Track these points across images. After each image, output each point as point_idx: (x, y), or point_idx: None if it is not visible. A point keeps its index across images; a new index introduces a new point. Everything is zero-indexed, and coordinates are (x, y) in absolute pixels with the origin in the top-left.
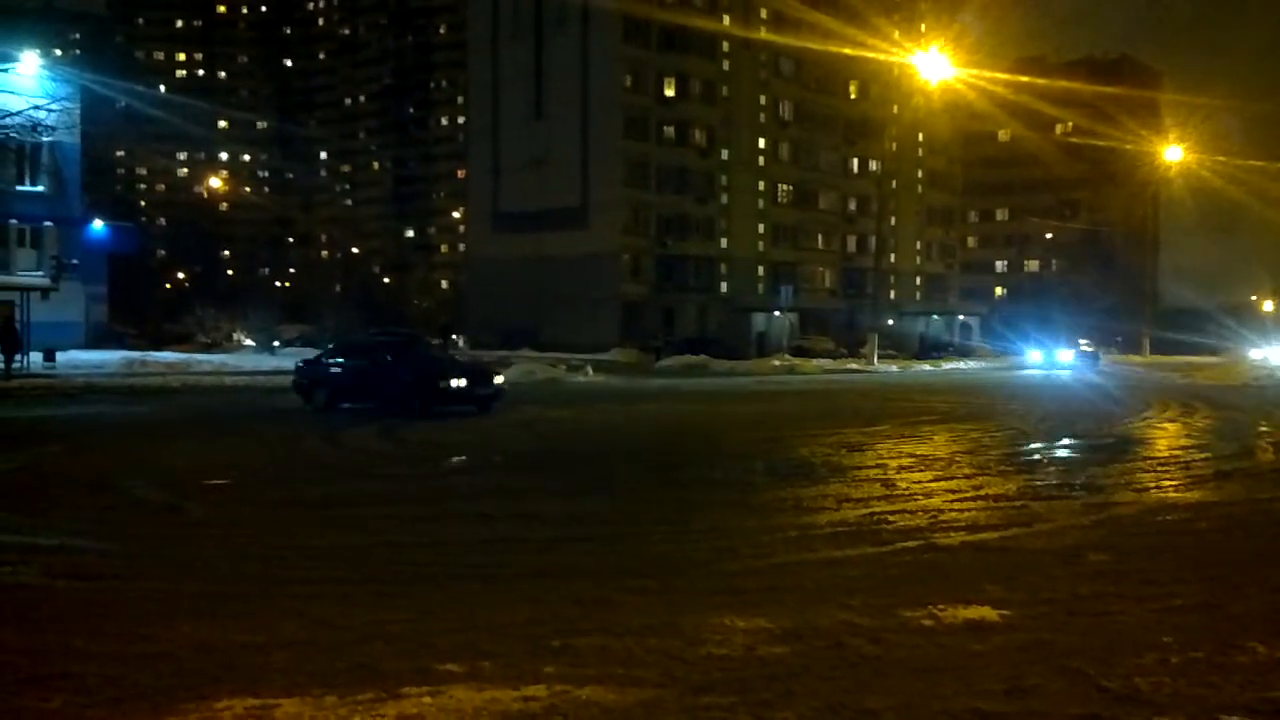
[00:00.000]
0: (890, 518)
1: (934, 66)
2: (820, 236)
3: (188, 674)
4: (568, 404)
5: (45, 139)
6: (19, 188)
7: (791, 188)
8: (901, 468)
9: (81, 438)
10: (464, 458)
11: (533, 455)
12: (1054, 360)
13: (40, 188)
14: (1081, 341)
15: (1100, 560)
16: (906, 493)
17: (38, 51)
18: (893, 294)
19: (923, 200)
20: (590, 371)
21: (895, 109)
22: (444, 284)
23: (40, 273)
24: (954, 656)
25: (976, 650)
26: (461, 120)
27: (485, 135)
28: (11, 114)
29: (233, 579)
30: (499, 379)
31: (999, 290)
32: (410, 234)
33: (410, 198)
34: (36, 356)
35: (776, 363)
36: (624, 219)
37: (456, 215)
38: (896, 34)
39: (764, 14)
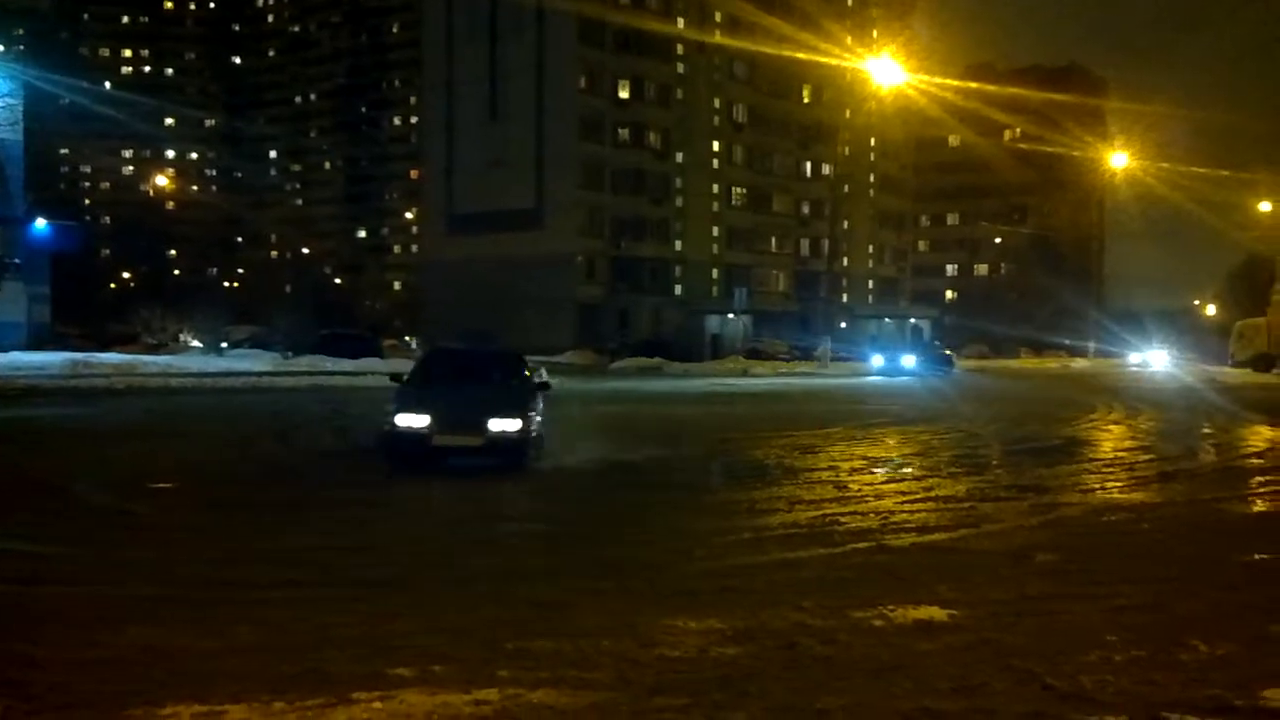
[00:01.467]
0: (842, 519)
1: (886, 72)
2: (774, 239)
3: (135, 679)
4: None
5: None
6: None
7: (746, 191)
8: (853, 470)
9: (25, 440)
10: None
11: None
12: (898, 366)
13: None
14: (936, 345)
15: (1047, 560)
16: (858, 494)
17: None
18: (845, 297)
19: (875, 204)
20: (545, 374)
21: (848, 114)
22: (397, 285)
23: None
24: (904, 656)
25: (926, 650)
26: (415, 120)
27: (440, 136)
28: None
29: (183, 583)
30: (511, 424)
31: (950, 294)
32: (363, 234)
33: (363, 198)
34: None
35: (731, 365)
36: (579, 221)
37: (410, 216)
38: (849, 40)
39: (719, 17)
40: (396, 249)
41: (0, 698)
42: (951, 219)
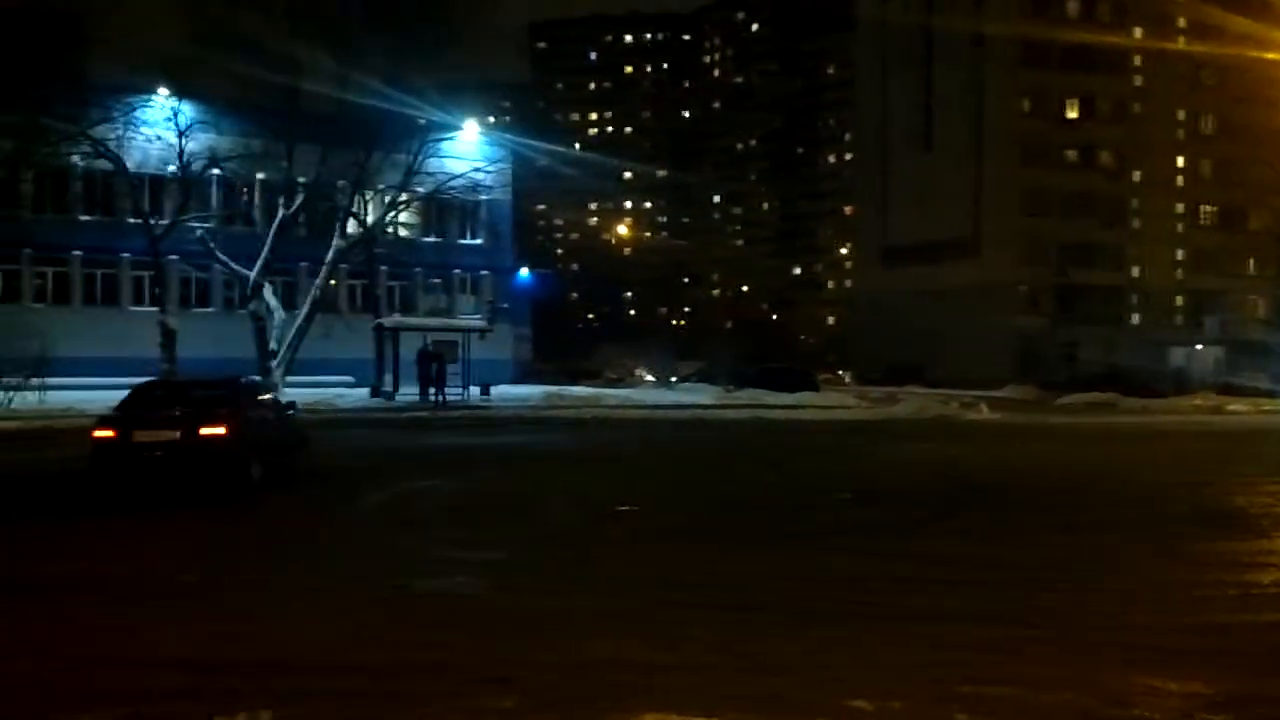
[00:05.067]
0: None
1: None
2: (1251, 261)
3: (608, 686)
4: (964, 441)
5: (483, 197)
6: (461, 241)
7: (1215, 208)
8: None
9: (508, 464)
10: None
11: (904, 490)
12: None
13: (478, 241)
14: None
15: None
16: None
17: (476, 120)
18: None
19: None
20: (985, 409)
21: None
22: (829, 320)
23: (478, 316)
24: None
25: None
26: (849, 157)
27: (872, 170)
28: (456, 176)
29: (642, 600)
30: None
31: None
32: (797, 271)
33: (797, 235)
34: (475, 390)
35: (1199, 401)
36: (1019, 249)
37: (843, 251)
38: None
39: (1182, 23)
40: (829, 284)
41: (506, 695)
42: None
